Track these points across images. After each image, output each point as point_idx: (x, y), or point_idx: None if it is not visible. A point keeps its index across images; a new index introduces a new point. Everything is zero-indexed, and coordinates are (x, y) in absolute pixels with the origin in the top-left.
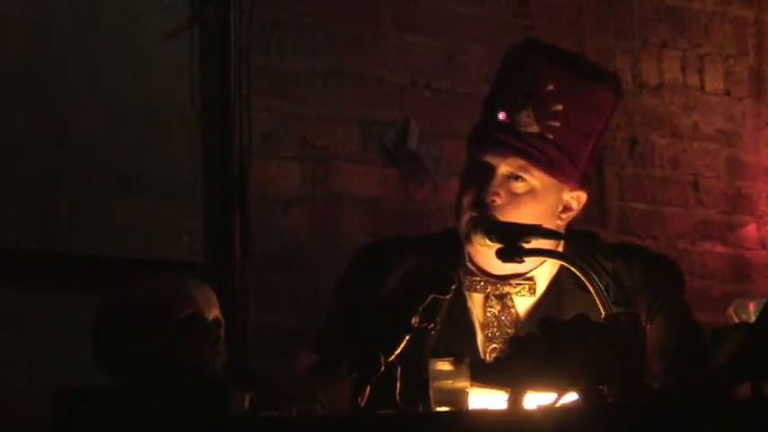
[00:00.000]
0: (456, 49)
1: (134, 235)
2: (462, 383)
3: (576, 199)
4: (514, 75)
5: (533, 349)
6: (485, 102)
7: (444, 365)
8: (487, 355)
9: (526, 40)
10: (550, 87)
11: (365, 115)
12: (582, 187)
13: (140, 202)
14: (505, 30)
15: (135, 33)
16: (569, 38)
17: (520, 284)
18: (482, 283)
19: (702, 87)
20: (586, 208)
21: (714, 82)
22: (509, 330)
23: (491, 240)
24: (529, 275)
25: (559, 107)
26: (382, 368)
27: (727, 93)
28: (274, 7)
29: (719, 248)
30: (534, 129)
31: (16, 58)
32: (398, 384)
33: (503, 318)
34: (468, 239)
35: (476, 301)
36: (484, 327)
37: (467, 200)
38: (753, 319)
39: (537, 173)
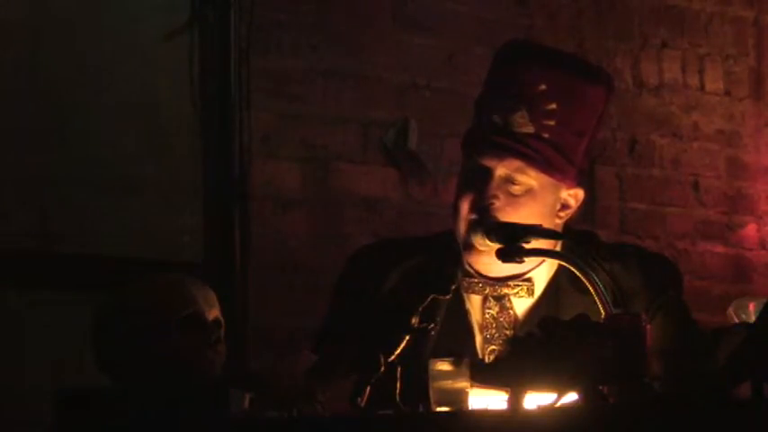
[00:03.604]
0: (456, 49)
1: (134, 235)
2: (462, 383)
3: (574, 196)
4: (506, 76)
5: (533, 349)
6: (477, 105)
7: (444, 365)
8: (486, 357)
9: (514, 41)
10: (543, 87)
11: (365, 115)
12: (579, 184)
13: (140, 202)
14: (505, 30)
15: (135, 33)
16: (569, 38)
17: (518, 286)
18: (480, 285)
19: (702, 87)
20: (582, 206)
21: (714, 82)
22: (507, 332)
23: (491, 241)
24: (527, 277)
25: (553, 106)
26: (382, 368)
27: (728, 93)
28: (274, 7)
29: (719, 248)
30: (529, 129)
31: (16, 59)
32: (398, 384)
33: (501, 319)
34: (467, 243)
35: (474, 303)
36: (482, 328)
37: (465, 203)
38: (753, 319)
39: (534, 173)
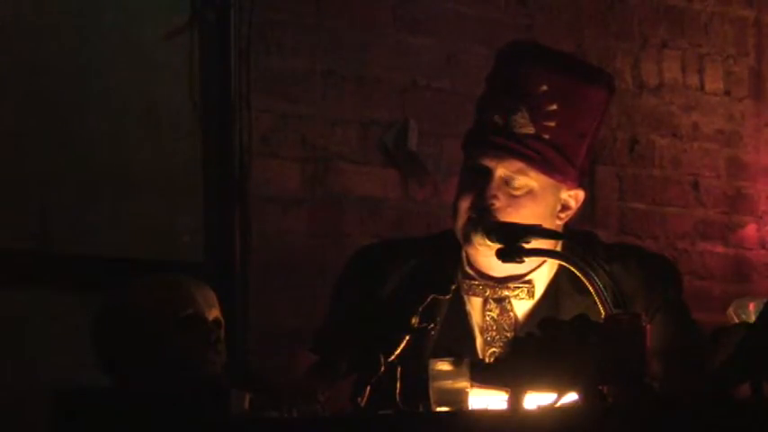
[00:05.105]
0: (456, 49)
1: (134, 235)
2: (462, 383)
3: (574, 197)
4: (507, 77)
5: (533, 349)
6: (477, 105)
7: (444, 365)
8: (487, 359)
9: (516, 41)
10: (544, 88)
11: (365, 115)
12: (579, 185)
13: (140, 202)
14: (505, 30)
15: (135, 33)
16: (569, 38)
17: (518, 287)
18: (480, 287)
19: (702, 87)
20: (582, 207)
21: (714, 82)
22: (508, 334)
23: (491, 240)
24: (527, 278)
25: (554, 107)
26: (382, 368)
27: (727, 93)
28: (274, 7)
29: (719, 248)
30: (530, 130)
31: (16, 59)
32: (398, 384)
33: (501, 321)
34: (468, 240)
35: (474, 305)
36: (483, 331)
37: (465, 203)
38: (753, 319)
39: (534, 174)
